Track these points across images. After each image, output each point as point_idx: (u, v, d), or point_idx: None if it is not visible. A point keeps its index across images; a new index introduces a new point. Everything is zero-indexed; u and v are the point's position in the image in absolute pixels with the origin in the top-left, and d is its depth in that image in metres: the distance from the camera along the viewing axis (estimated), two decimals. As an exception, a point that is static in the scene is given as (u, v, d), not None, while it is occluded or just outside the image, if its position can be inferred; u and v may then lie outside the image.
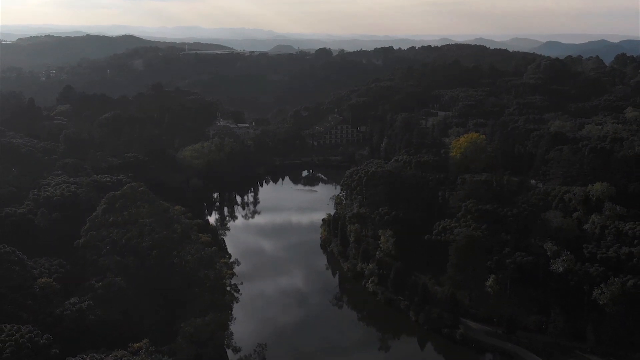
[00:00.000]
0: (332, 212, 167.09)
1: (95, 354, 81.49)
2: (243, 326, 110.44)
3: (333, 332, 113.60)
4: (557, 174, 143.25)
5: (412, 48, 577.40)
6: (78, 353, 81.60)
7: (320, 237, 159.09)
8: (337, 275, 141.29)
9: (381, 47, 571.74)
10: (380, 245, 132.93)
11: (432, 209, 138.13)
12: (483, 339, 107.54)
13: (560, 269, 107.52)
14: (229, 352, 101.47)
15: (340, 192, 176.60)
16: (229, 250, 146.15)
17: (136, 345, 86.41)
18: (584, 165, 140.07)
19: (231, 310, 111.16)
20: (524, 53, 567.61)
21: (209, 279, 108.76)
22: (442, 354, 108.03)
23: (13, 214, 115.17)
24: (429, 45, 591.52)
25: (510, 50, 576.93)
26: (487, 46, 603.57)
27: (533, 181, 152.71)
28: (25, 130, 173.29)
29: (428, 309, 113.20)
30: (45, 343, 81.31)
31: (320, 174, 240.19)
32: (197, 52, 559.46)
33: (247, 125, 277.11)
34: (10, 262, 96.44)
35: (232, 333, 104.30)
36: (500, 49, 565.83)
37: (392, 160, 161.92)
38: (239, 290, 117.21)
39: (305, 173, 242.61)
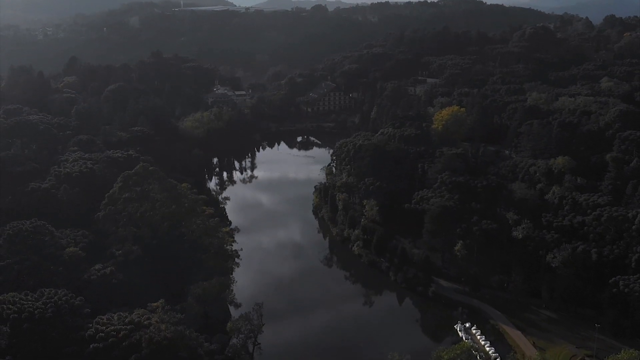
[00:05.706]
0: (324, 180, 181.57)
1: (121, 312, 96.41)
2: (244, 285, 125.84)
3: (323, 289, 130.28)
4: (527, 147, 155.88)
5: (409, 3, 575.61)
6: (106, 312, 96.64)
7: (313, 204, 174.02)
8: (327, 239, 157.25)
9: (377, 2, 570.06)
10: (365, 213, 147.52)
11: (413, 180, 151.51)
12: (452, 296, 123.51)
13: (520, 235, 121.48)
14: (231, 308, 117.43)
15: (331, 163, 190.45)
16: (228, 211, 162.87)
17: (154, 304, 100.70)
18: (551, 139, 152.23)
19: (232, 273, 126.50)
20: (520, 9, 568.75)
21: (213, 247, 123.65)
22: (418, 308, 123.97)
23: (38, 189, 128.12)
24: (426, 1, 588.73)
25: (507, 5, 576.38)
26: (484, 0, 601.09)
27: (507, 151, 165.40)
28: (37, 105, 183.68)
29: (405, 270, 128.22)
30: (79, 304, 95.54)
31: (314, 138, 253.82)
32: (193, 8, 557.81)
33: (243, 92, 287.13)
34: (41, 234, 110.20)
35: (233, 292, 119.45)
36: (496, 5, 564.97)
37: (379, 133, 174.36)
38: (239, 255, 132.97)
39: (299, 139, 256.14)
